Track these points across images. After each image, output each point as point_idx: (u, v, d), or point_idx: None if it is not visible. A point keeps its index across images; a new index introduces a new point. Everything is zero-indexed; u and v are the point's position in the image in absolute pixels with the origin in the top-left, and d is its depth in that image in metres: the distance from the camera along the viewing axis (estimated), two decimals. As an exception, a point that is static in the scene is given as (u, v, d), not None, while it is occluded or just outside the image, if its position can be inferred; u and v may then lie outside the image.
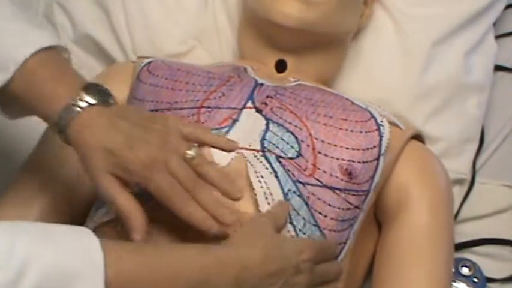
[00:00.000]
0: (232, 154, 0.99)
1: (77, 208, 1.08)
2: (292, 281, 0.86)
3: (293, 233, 0.94)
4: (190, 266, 0.79)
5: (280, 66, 1.15)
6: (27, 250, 0.69)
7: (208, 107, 1.03)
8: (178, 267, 0.78)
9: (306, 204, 0.96)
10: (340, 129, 1.02)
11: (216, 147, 0.91)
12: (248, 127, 1.01)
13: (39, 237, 0.71)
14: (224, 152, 0.98)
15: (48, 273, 0.69)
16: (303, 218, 0.95)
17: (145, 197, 0.87)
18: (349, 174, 0.99)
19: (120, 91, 1.13)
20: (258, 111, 1.03)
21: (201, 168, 0.87)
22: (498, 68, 1.35)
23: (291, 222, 0.95)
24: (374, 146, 1.01)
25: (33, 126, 1.03)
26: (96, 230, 0.98)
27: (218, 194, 0.88)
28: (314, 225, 0.96)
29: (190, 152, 0.87)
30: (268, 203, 0.95)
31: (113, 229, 0.95)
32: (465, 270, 1.15)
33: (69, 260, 0.71)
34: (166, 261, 0.78)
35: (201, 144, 0.90)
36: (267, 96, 1.05)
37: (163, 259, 0.78)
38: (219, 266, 0.81)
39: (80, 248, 0.73)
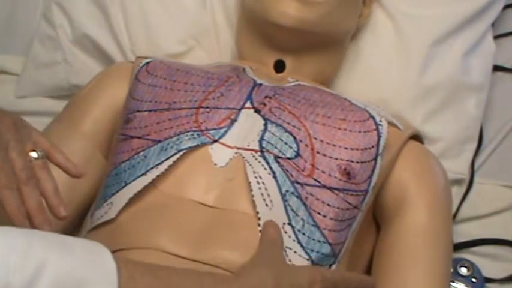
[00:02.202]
0: (231, 154, 0.99)
1: (76, 208, 1.08)
2: None
3: (292, 234, 0.94)
4: None
5: (279, 67, 1.15)
6: (43, 254, 0.69)
7: (207, 107, 1.03)
8: None
9: (304, 204, 0.96)
10: (339, 129, 1.02)
11: (62, 168, 0.89)
12: (247, 127, 1.01)
13: (55, 244, 0.71)
14: (223, 152, 0.98)
15: (62, 279, 0.69)
16: (302, 219, 0.95)
17: None
18: (347, 174, 0.99)
19: (118, 91, 1.13)
20: (257, 111, 1.03)
21: (39, 171, 0.85)
22: (497, 68, 1.35)
23: (289, 224, 0.95)
24: (372, 146, 1.01)
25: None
26: (93, 230, 0.99)
27: None
28: (313, 225, 0.95)
29: (33, 154, 0.85)
30: (266, 204, 0.95)
31: (110, 229, 0.96)
32: (464, 271, 1.15)
33: (83, 269, 0.71)
34: (179, 286, 0.77)
35: (49, 157, 0.88)
36: (266, 97, 1.05)
37: (177, 284, 0.78)
38: None
39: (94, 259, 0.73)
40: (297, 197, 0.96)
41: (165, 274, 0.78)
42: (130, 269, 0.74)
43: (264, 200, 0.95)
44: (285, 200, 0.95)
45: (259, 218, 0.94)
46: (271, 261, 0.87)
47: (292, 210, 0.95)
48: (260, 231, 0.93)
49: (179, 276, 0.79)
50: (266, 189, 0.95)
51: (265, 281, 0.83)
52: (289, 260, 0.93)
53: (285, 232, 0.94)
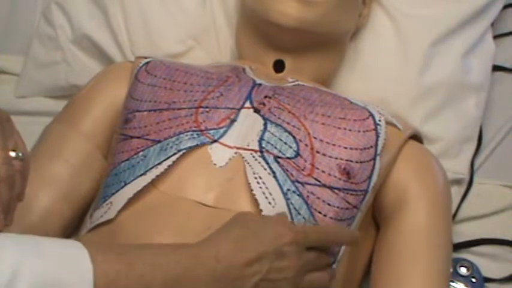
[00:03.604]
0: (231, 154, 0.99)
1: (76, 207, 1.08)
2: (278, 266, 0.84)
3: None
4: (166, 262, 0.79)
5: (279, 66, 1.15)
6: (16, 260, 0.69)
7: (206, 107, 1.03)
8: (154, 263, 0.78)
9: (306, 203, 0.96)
10: (339, 128, 1.02)
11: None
12: (246, 127, 1.01)
13: (28, 248, 0.71)
14: (222, 152, 0.98)
15: (38, 283, 0.69)
16: (303, 218, 0.95)
17: None
18: (347, 174, 0.99)
19: (118, 91, 1.13)
20: (256, 111, 1.03)
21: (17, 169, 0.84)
22: (496, 68, 1.35)
23: (292, 222, 0.94)
24: (371, 146, 1.01)
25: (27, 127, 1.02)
26: (93, 230, 0.99)
27: None
28: (314, 224, 0.95)
29: (12, 154, 0.84)
30: (269, 203, 0.95)
31: (109, 229, 0.96)
32: (463, 270, 1.15)
33: (58, 270, 0.71)
34: (143, 260, 0.78)
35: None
36: (265, 97, 1.05)
37: (141, 258, 0.78)
38: (193, 259, 0.81)
39: (69, 258, 0.73)
40: (298, 195, 0.96)
41: (133, 252, 0.79)
42: (103, 253, 0.75)
43: (267, 198, 0.95)
44: (287, 199, 0.95)
45: None
46: (236, 224, 0.86)
47: (295, 208, 0.95)
48: None
49: (142, 251, 0.80)
50: (267, 188, 0.95)
51: (224, 243, 0.83)
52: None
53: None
